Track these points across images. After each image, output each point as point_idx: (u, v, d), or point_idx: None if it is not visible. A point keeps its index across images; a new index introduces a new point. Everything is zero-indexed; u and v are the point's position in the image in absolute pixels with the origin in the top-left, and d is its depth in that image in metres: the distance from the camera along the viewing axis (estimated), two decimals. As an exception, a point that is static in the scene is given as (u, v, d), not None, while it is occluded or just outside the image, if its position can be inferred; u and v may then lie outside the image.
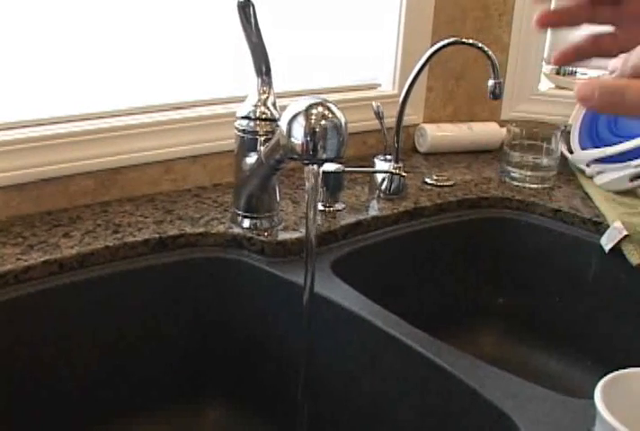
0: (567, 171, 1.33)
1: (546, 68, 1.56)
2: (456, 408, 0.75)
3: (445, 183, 1.25)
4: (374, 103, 1.16)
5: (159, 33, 1.13)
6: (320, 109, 0.75)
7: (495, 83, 1.10)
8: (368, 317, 0.85)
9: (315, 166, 0.77)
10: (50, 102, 1.05)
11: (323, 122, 0.75)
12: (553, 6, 0.62)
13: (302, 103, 0.76)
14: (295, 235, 1.00)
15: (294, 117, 0.76)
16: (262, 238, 0.98)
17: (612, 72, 0.57)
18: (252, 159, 0.97)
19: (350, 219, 1.07)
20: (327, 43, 1.34)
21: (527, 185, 1.26)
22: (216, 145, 1.17)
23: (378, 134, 1.19)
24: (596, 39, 0.61)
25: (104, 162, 1.07)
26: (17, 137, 0.99)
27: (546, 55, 1.51)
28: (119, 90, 1.11)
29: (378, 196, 1.17)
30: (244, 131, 0.98)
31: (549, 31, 1.49)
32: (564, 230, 1.15)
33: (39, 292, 0.87)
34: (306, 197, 0.79)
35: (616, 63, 0.57)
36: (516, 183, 1.27)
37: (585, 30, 0.62)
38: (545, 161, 1.27)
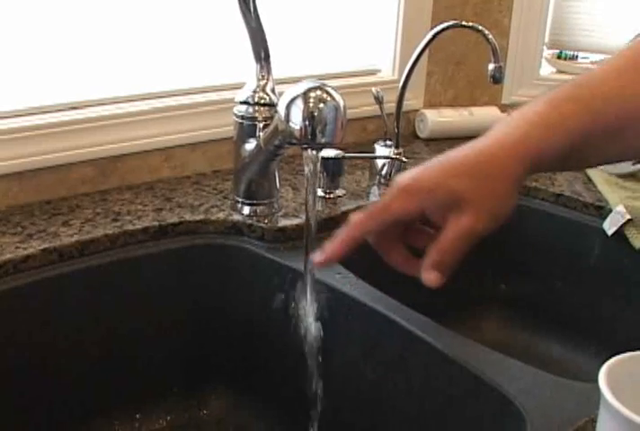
0: (569, 156, 1.32)
1: (547, 52, 1.55)
2: (459, 393, 0.75)
3: (446, 169, 1.24)
4: (374, 89, 1.15)
5: (158, 20, 1.12)
6: (318, 92, 0.75)
7: (496, 68, 1.09)
8: (369, 303, 0.85)
9: (314, 151, 0.77)
10: (49, 90, 1.05)
11: (321, 105, 0.74)
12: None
13: (300, 87, 0.75)
14: (295, 222, 0.99)
15: (292, 100, 0.75)
16: (261, 224, 0.98)
17: None
18: (251, 145, 0.96)
19: (350, 205, 1.06)
20: (326, 28, 1.33)
21: (528, 170, 1.25)
22: (215, 132, 1.16)
23: (379, 119, 1.18)
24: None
25: (104, 150, 1.06)
26: (16, 126, 0.99)
27: (547, 39, 1.50)
28: (118, 77, 1.11)
29: (379, 181, 1.16)
30: (242, 117, 0.97)
31: (550, 15, 1.48)
32: (567, 215, 1.15)
33: (38, 281, 0.86)
34: (306, 183, 0.78)
35: None
36: (518, 168, 1.26)
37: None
38: (546, 145, 1.26)
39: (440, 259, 0.67)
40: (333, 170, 1.08)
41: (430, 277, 0.68)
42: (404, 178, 0.70)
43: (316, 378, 0.85)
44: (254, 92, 0.96)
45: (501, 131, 0.70)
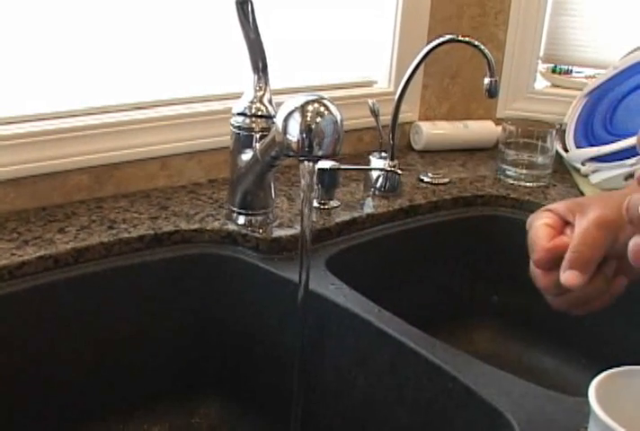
0: (562, 170, 1.33)
1: (542, 66, 1.56)
2: (450, 405, 0.75)
3: (440, 181, 1.25)
4: (370, 101, 1.15)
5: (156, 29, 1.12)
6: (316, 105, 0.76)
7: (491, 82, 1.10)
8: (362, 314, 0.85)
9: (311, 163, 0.78)
10: (46, 98, 1.05)
11: (318, 119, 0.75)
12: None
13: (298, 100, 0.76)
14: (290, 232, 1.00)
15: (290, 113, 0.76)
16: (256, 235, 0.98)
17: None
18: (247, 156, 0.96)
19: (345, 216, 1.07)
20: (323, 40, 1.34)
21: (522, 183, 1.26)
22: (211, 142, 1.16)
23: (374, 131, 1.19)
24: None
25: (100, 158, 1.07)
26: (13, 132, 0.99)
27: (542, 53, 1.51)
28: (116, 86, 1.11)
29: (374, 193, 1.17)
30: (239, 128, 0.98)
31: (545, 30, 1.49)
32: (559, 228, 1.15)
33: (33, 287, 0.87)
34: (302, 194, 0.79)
35: None
36: (511, 181, 1.27)
37: None
38: (540, 159, 1.27)
39: (575, 256, 0.65)
40: (328, 181, 1.08)
41: (566, 276, 0.65)
42: None
43: (296, 385, 0.86)
44: (252, 102, 0.97)
45: None
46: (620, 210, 0.60)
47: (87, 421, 0.94)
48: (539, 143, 1.27)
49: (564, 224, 0.70)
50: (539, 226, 0.70)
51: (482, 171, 1.33)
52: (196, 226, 0.99)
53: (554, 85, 1.56)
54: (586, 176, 1.27)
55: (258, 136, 0.96)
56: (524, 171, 1.27)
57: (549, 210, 0.71)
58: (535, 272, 0.70)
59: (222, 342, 1.01)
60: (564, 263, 0.65)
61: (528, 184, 1.26)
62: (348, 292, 0.90)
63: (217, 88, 1.20)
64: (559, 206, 0.71)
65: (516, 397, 0.70)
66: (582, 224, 0.66)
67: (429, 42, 1.13)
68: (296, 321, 0.85)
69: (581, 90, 1.41)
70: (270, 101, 0.98)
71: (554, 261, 0.67)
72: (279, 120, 0.78)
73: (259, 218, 1.01)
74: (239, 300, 0.99)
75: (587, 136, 1.32)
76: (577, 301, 0.70)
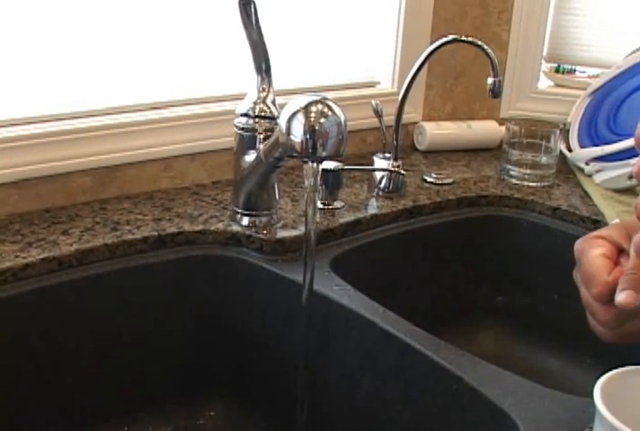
0: (566, 170, 1.33)
1: (545, 66, 1.56)
2: (455, 405, 0.75)
3: (444, 181, 1.25)
4: (373, 101, 1.15)
5: (158, 30, 1.12)
6: (319, 106, 0.75)
7: (495, 82, 1.10)
8: (366, 315, 0.85)
9: (315, 164, 0.77)
10: (48, 100, 1.05)
11: (322, 120, 0.75)
12: None
13: (302, 101, 0.76)
14: (294, 233, 1.00)
15: (293, 114, 0.76)
16: (260, 236, 0.98)
17: None
18: (251, 157, 0.96)
19: (349, 217, 1.07)
20: (326, 41, 1.34)
21: (526, 183, 1.26)
22: (215, 143, 1.16)
23: (378, 132, 1.19)
24: None
25: (103, 160, 1.07)
26: (17, 134, 0.99)
27: (545, 53, 1.51)
28: (119, 87, 1.11)
29: (377, 194, 1.17)
30: (243, 129, 0.98)
31: (548, 29, 1.49)
32: (563, 228, 1.15)
33: (37, 289, 0.87)
34: (306, 195, 0.79)
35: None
36: (515, 181, 1.27)
37: None
38: (544, 159, 1.27)
39: (630, 277, 0.63)
40: (331, 182, 1.08)
41: (621, 296, 0.62)
42: None
43: (300, 386, 0.86)
44: (255, 104, 0.97)
45: None
46: None
47: (91, 423, 0.94)
48: (543, 143, 1.27)
49: (619, 251, 0.68)
50: (596, 257, 0.67)
51: (486, 171, 1.33)
52: (200, 228, 0.99)
53: (557, 85, 1.55)
54: (590, 176, 1.27)
55: (262, 137, 0.97)
56: (528, 171, 1.27)
57: (602, 237, 0.69)
58: (593, 306, 0.68)
59: (226, 343, 1.01)
60: (619, 286, 0.63)
61: (531, 184, 1.26)
62: (352, 293, 0.90)
63: (221, 90, 1.20)
64: (611, 232, 0.69)
65: (521, 397, 0.70)
66: (633, 249, 0.64)
67: (432, 43, 1.13)
68: (300, 322, 0.85)
69: (584, 89, 1.41)
70: (273, 102, 0.98)
71: (614, 294, 0.64)
72: (282, 121, 0.77)
73: (263, 219, 1.01)
74: (243, 301, 0.99)
75: (591, 135, 1.32)
76: (635, 330, 0.68)
